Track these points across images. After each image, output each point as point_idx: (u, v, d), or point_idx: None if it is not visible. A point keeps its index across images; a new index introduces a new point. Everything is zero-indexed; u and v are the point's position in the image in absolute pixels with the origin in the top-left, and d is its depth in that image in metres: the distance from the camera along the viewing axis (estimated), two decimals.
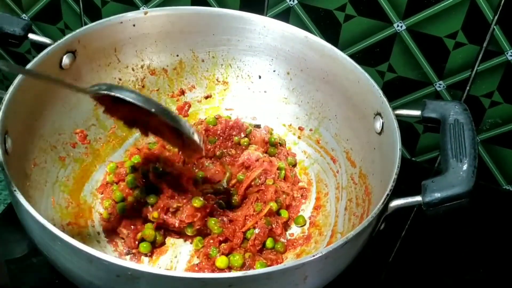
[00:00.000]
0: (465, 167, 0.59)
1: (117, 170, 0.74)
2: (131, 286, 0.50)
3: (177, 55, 0.84)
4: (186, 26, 0.81)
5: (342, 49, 0.80)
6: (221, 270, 0.63)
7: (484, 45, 0.79)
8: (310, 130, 0.83)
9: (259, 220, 0.68)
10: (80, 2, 0.97)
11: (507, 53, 0.79)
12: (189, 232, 0.67)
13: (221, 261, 0.64)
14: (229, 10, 0.81)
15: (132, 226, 0.67)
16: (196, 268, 0.64)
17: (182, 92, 0.86)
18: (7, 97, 0.62)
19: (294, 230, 0.73)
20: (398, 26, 0.81)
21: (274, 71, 0.84)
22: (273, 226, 0.69)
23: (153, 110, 0.56)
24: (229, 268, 0.64)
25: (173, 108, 0.85)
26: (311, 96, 0.82)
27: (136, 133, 0.82)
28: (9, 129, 0.61)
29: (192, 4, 0.91)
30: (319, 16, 0.85)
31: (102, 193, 0.74)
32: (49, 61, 0.70)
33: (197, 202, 0.66)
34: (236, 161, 0.77)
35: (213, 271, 0.64)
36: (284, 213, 0.72)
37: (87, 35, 0.74)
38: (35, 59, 0.67)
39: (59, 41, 0.71)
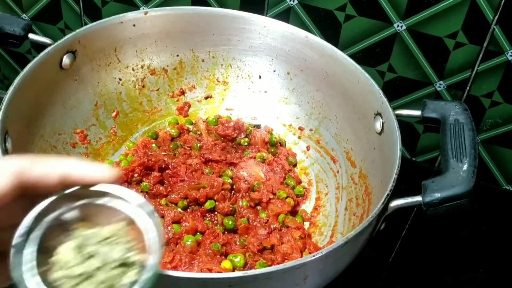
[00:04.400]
0: (465, 167, 0.59)
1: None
2: None
3: (177, 55, 0.84)
4: (186, 26, 0.82)
5: (342, 49, 0.80)
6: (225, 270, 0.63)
7: (484, 45, 0.79)
8: (310, 130, 0.83)
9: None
10: (80, 2, 0.97)
11: (507, 53, 0.79)
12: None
13: (226, 263, 0.64)
14: (229, 10, 0.81)
15: None
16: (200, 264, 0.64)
17: (182, 92, 0.86)
18: (7, 97, 0.62)
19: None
20: (398, 26, 0.81)
21: (274, 71, 0.84)
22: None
23: None
24: (232, 268, 0.64)
25: (173, 108, 0.85)
26: (311, 96, 0.82)
27: (136, 133, 0.82)
28: (9, 129, 0.61)
29: (192, 4, 0.91)
30: (319, 16, 0.85)
31: None
32: (49, 61, 0.70)
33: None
34: (237, 165, 0.77)
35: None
36: (299, 219, 0.73)
37: (87, 35, 0.74)
38: (35, 59, 0.67)
39: (59, 41, 0.71)
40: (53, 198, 0.36)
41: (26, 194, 0.36)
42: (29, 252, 0.34)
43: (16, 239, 0.34)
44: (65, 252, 0.35)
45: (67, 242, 0.36)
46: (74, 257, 0.35)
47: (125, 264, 0.36)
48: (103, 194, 0.37)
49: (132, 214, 0.37)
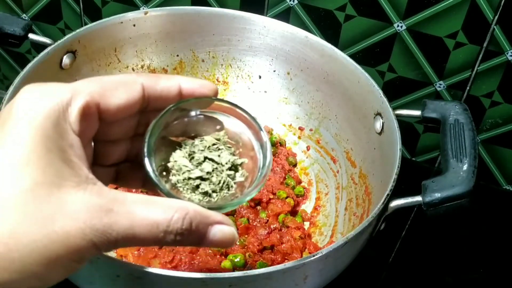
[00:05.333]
0: (465, 167, 0.59)
1: None
2: (131, 286, 0.50)
3: (177, 55, 0.84)
4: (186, 26, 0.82)
5: (342, 49, 0.80)
6: (225, 270, 0.63)
7: (484, 45, 0.79)
8: (310, 130, 0.83)
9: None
10: (80, 2, 0.97)
11: (507, 53, 0.79)
12: None
13: (226, 263, 0.64)
14: (229, 10, 0.81)
15: None
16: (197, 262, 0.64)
17: None
18: (7, 97, 0.62)
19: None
20: (398, 26, 0.81)
21: (274, 71, 0.84)
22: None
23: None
24: (232, 268, 0.64)
25: None
26: (311, 96, 0.82)
27: None
28: None
29: (192, 4, 0.91)
30: (319, 16, 0.85)
31: None
32: (49, 61, 0.70)
33: None
34: None
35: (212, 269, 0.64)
36: (299, 219, 0.73)
37: (87, 35, 0.74)
38: (35, 59, 0.67)
39: (59, 41, 0.71)
40: (170, 108, 0.39)
41: (145, 109, 0.39)
42: (152, 160, 0.38)
43: (145, 147, 0.38)
44: (179, 159, 0.40)
45: (176, 151, 0.40)
46: (188, 164, 0.39)
47: (233, 167, 0.40)
48: (205, 105, 0.41)
49: (229, 122, 0.42)
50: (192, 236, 0.35)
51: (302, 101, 0.83)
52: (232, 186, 0.40)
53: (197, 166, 0.39)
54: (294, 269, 0.50)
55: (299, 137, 0.84)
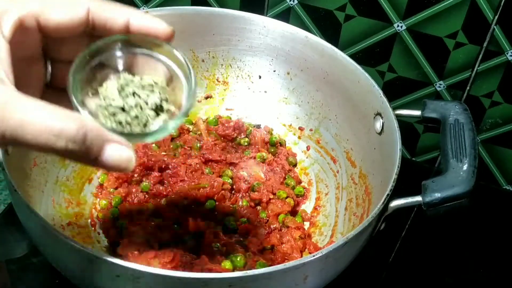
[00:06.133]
0: (465, 167, 0.59)
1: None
2: (131, 286, 0.50)
3: None
4: (186, 26, 0.81)
5: (342, 49, 0.80)
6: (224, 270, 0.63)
7: (484, 45, 0.79)
8: (310, 130, 0.83)
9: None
10: None
11: (507, 53, 0.79)
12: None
13: (226, 263, 0.64)
14: (229, 10, 0.81)
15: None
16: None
17: None
18: None
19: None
20: (398, 26, 0.81)
21: (274, 71, 0.84)
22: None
23: None
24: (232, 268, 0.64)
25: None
26: (311, 96, 0.82)
27: None
28: None
29: (192, 4, 0.91)
30: (319, 16, 0.85)
31: (101, 193, 0.74)
32: None
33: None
34: (237, 165, 0.77)
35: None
36: (299, 219, 0.73)
37: None
38: None
39: None
40: (111, 39, 0.40)
41: (91, 33, 0.40)
42: (80, 78, 0.40)
43: (73, 65, 0.39)
44: (109, 86, 0.41)
45: (113, 80, 0.42)
46: (115, 93, 0.41)
47: (158, 110, 0.41)
48: (153, 46, 0.43)
49: (173, 71, 0.43)
50: (85, 147, 0.35)
51: (302, 101, 0.83)
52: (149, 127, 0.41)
53: (123, 99, 0.41)
54: (294, 269, 0.50)
55: (299, 137, 0.84)
